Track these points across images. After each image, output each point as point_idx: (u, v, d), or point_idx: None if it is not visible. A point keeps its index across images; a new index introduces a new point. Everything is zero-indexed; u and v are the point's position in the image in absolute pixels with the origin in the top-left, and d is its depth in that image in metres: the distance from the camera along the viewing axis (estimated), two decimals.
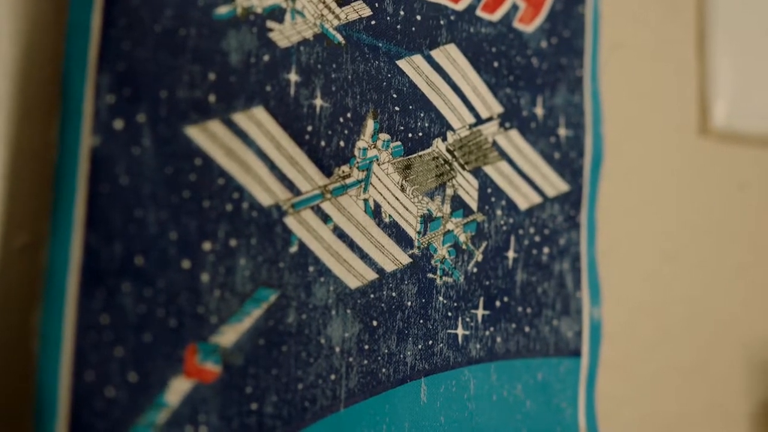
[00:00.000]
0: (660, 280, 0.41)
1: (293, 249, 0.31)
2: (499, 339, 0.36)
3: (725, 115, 0.44)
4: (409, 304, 0.33)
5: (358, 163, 0.32)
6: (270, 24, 0.30)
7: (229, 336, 0.29)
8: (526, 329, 0.36)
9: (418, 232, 0.34)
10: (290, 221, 0.31)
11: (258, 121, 0.30)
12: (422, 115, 0.34)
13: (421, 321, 0.33)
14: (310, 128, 0.31)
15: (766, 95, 0.45)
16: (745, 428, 0.42)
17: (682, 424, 0.41)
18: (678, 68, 0.43)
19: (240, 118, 0.30)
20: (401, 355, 0.33)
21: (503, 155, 0.36)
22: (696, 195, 0.43)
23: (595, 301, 0.39)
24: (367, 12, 0.33)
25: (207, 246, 0.29)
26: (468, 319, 0.35)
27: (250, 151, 0.30)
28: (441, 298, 0.34)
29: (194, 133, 0.29)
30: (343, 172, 0.32)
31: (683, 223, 0.42)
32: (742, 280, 0.43)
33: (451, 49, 0.35)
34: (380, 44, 0.33)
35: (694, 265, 0.42)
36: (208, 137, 0.29)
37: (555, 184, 0.38)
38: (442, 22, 0.34)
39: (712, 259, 0.42)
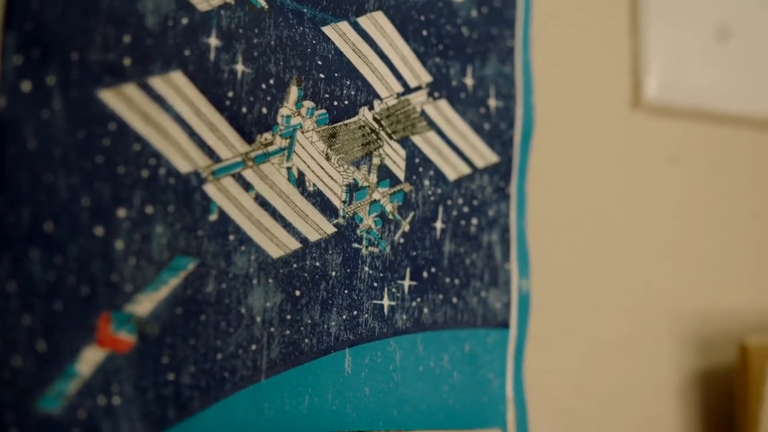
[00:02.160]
0: (591, 252, 0.41)
1: (213, 217, 0.30)
2: (426, 310, 0.35)
3: (657, 88, 0.44)
4: (334, 274, 0.33)
5: (281, 130, 0.32)
6: None
7: (144, 305, 0.28)
8: (454, 300, 0.36)
9: (344, 202, 0.33)
10: (210, 189, 0.30)
11: (176, 85, 0.29)
12: (348, 83, 0.33)
13: (346, 291, 0.33)
14: (231, 94, 0.30)
15: (698, 69, 0.45)
16: (674, 400, 0.43)
17: (612, 397, 0.41)
18: (610, 41, 0.43)
19: (157, 83, 0.29)
20: (325, 326, 0.32)
21: (432, 125, 0.36)
22: (627, 168, 0.43)
23: (524, 273, 0.39)
24: None
25: (122, 213, 0.28)
26: (394, 290, 0.35)
27: (168, 117, 0.29)
28: (366, 269, 0.34)
29: (108, 97, 0.28)
30: (266, 139, 0.31)
31: (614, 196, 0.42)
32: (672, 254, 0.43)
33: (379, 16, 0.34)
34: (305, 10, 0.32)
35: (625, 238, 0.42)
36: (123, 101, 0.28)
37: (484, 155, 0.38)
38: None
39: (643, 233, 0.43)
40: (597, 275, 0.42)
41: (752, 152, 0.47)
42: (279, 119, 0.32)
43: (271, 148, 0.31)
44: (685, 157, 0.45)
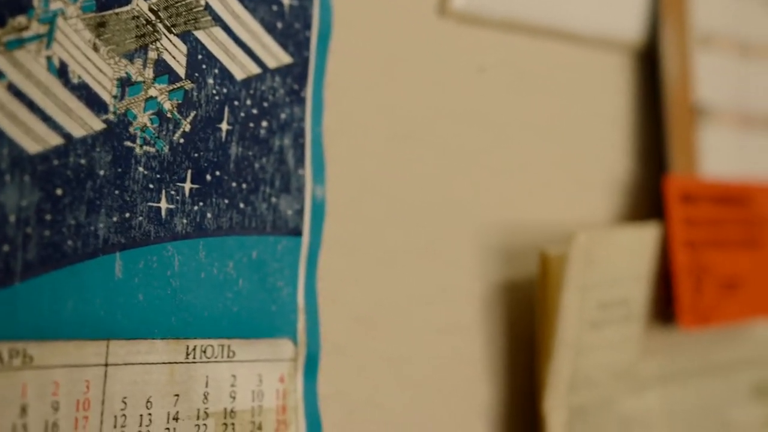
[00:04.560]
0: (392, 160, 0.41)
1: None
2: (209, 215, 0.34)
3: None
4: (102, 173, 0.31)
5: (38, 15, 0.29)
6: None
7: None
8: (241, 206, 0.35)
9: (114, 97, 0.31)
10: None
11: None
12: None
13: (117, 192, 0.31)
14: None
15: None
16: (476, 310, 0.43)
17: (411, 306, 0.41)
18: None
19: None
20: (92, 228, 0.30)
21: (217, 20, 0.34)
22: (431, 76, 0.42)
23: (318, 180, 0.37)
24: None
25: None
26: (173, 193, 0.33)
27: None
28: (141, 169, 0.32)
29: None
30: (20, 23, 0.29)
31: (418, 104, 0.42)
32: (476, 164, 0.43)
33: None
34: None
35: (429, 147, 0.42)
36: None
37: (276, 55, 0.36)
38: None
39: (447, 142, 0.42)
40: (397, 184, 0.41)
41: (559, 65, 0.47)
42: (35, 2, 0.29)
43: (26, 34, 0.29)
44: (493, 68, 0.44)
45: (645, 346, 0.47)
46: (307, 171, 0.37)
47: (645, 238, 0.46)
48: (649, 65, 0.50)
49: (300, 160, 0.37)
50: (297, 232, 0.37)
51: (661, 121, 0.49)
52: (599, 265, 0.43)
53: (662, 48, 0.48)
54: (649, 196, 0.50)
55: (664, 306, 0.48)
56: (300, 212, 0.37)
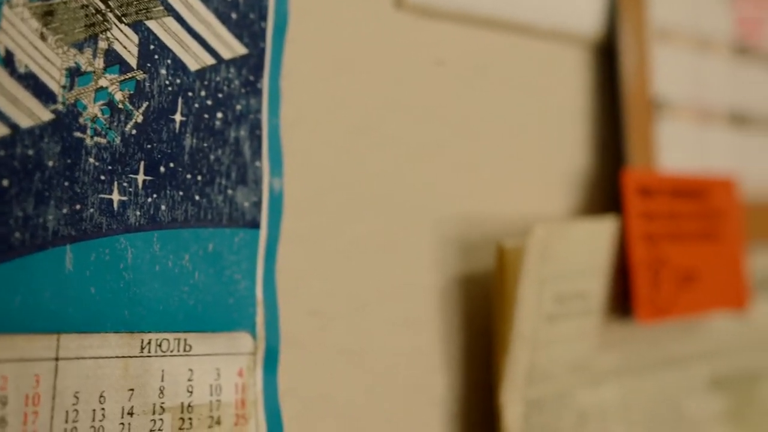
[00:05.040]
0: (351, 153, 0.40)
1: None
2: (163, 207, 0.33)
3: None
4: (51, 164, 0.30)
5: None
6: None
7: None
8: (196, 198, 0.34)
9: (63, 87, 0.31)
10: None
11: None
12: None
13: (67, 184, 0.31)
14: None
15: None
16: (434, 303, 0.43)
17: (370, 298, 0.41)
18: None
19: None
20: (40, 220, 0.30)
21: (170, 10, 0.34)
22: (391, 69, 0.42)
23: (276, 172, 0.37)
24: None
25: None
26: (126, 184, 0.32)
27: None
28: (92, 160, 0.31)
29: None
30: None
31: (377, 97, 0.41)
32: (435, 157, 0.43)
33: None
34: None
35: (388, 140, 0.41)
36: None
37: (231, 46, 0.36)
38: None
39: (406, 135, 0.42)
40: (356, 176, 0.41)
41: (517, 58, 0.47)
42: None
43: None
44: (450, 61, 0.44)
45: (602, 340, 0.47)
46: (265, 163, 0.37)
47: (602, 231, 0.46)
48: (607, 59, 0.50)
49: (257, 152, 0.36)
50: (254, 225, 0.36)
51: (619, 115, 0.49)
52: (556, 258, 0.43)
53: (620, 42, 0.49)
54: (607, 190, 0.50)
55: (622, 299, 0.48)
56: (257, 204, 0.36)
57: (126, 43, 0.32)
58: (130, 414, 0.32)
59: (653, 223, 0.48)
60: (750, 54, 0.57)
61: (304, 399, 0.39)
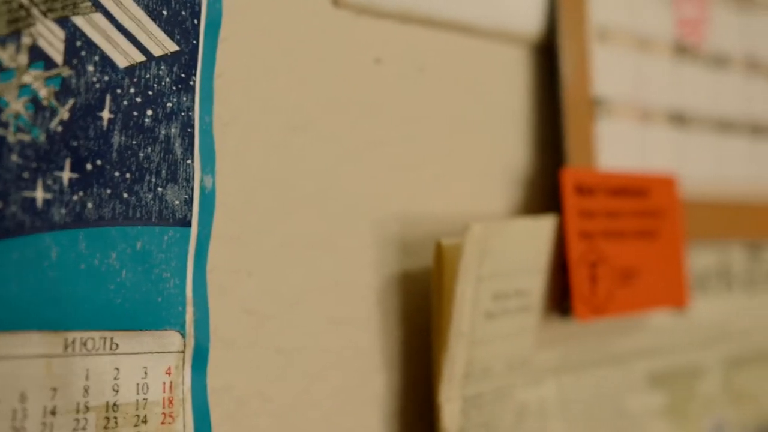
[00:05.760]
0: (287, 151, 0.40)
1: None
2: (90, 205, 0.33)
3: None
4: None
5: None
6: None
7: None
8: (125, 196, 0.34)
9: None
10: None
11: None
12: None
13: None
14: None
15: None
16: (372, 300, 0.43)
17: (307, 297, 0.41)
18: None
19: None
20: None
21: (98, 6, 0.33)
22: (329, 67, 0.42)
23: (208, 170, 0.37)
24: None
25: None
26: (50, 182, 0.32)
27: None
28: (14, 157, 0.31)
29: None
30: None
31: (314, 95, 0.41)
32: (374, 155, 0.43)
33: None
34: None
35: (325, 138, 0.41)
36: None
37: (162, 43, 0.35)
38: None
39: (344, 133, 0.42)
40: (293, 175, 0.41)
41: (457, 57, 0.47)
42: None
43: None
44: (389, 59, 0.44)
45: (542, 337, 0.48)
46: (196, 161, 0.37)
47: (541, 229, 0.46)
48: (548, 59, 0.51)
49: (188, 150, 0.36)
50: (185, 223, 0.36)
51: (559, 114, 0.50)
52: (495, 256, 0.43)
53: (560, 41, 0.49)
54: (547, 189, 0.51)
55: (561, 297, 0.48)
56: (188, 202, 0.36)
57: (51, 39, 0.32)
58: (53, 413, 0.32)
59: (592, 221, 0.48)
60: (690, 54, 0.58)
61: (239, 397, 0.39)
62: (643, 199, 0.52)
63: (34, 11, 0.32)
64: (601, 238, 0.49)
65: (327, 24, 0.42)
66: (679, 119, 0.56)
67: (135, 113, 0.35)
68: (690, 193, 0.56)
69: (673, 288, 0.53)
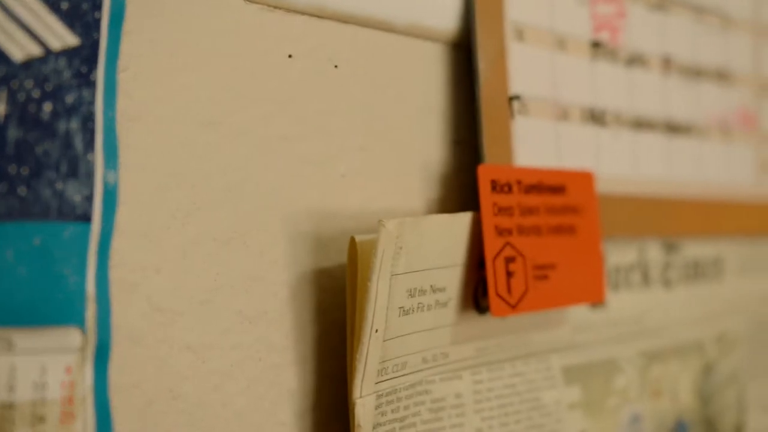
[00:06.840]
0: (197, 147, 0.40)
1: None
2: None
3: None
4: None
5: None
6: None
7: None
8: (21, 191, 0.34)
9: None
10: None
11: None
12: None
13: None
14: None
15: None
16: (285, 297, 0.43)
17: (217, 294, 0.40)
18: None
19: None
20: None
21: None
22: (240, 61, 0.42)
23: (110, 165, 0.37)
24: None
25: None
26: None
27: None
28: None
29: None
30: None
31: (225, 90, 0.41)
32: (287, 151, 0.43)
33: None
34: None
35: (236, 134, 0.41)
36: None
37: (61, 36, 0.35)
38: None
39: (256, 129, 0.42)
40: (203, 171, 0.40)
41: (372, 53, 0.47)
42: None
43: None
44: (302, 54, 0.44)
45: (458, 332, 0.48)
46: (98, 156, 0.36)
47: (457, 225, 0.46)
48: (465, 56, 0.51)
49: (89, 145, 0.36)
50: (86, 219, 0.36)
51: (476, 111, 0.50)
52: (410, 252, 0.43)
53: (476, 39, 0.49)
54: (465, 186, 0.51)
55: (478, 293, 0.49)
56: (89, 198, 0.36)
57: None
58: None
59: (508, 217, 0.49)
60: (606, 52, 0.58)
61: (148, 395, 0.39)
62: (560, 195, 0.52)
63: None
64: (517, 233, 0.49)
65: (239, 18, 0.42)
66: (595, 117, 0.57)
67: (32, 107, 0.34)
68: (607, 191, 0.57)
69: (590, 283, 0.54)
